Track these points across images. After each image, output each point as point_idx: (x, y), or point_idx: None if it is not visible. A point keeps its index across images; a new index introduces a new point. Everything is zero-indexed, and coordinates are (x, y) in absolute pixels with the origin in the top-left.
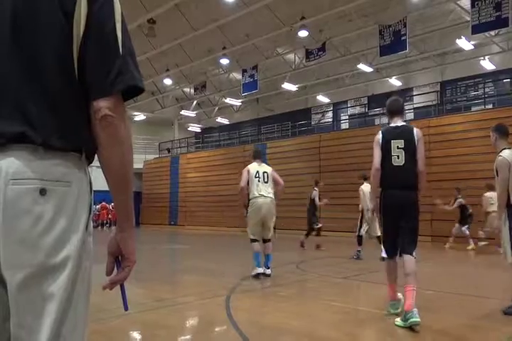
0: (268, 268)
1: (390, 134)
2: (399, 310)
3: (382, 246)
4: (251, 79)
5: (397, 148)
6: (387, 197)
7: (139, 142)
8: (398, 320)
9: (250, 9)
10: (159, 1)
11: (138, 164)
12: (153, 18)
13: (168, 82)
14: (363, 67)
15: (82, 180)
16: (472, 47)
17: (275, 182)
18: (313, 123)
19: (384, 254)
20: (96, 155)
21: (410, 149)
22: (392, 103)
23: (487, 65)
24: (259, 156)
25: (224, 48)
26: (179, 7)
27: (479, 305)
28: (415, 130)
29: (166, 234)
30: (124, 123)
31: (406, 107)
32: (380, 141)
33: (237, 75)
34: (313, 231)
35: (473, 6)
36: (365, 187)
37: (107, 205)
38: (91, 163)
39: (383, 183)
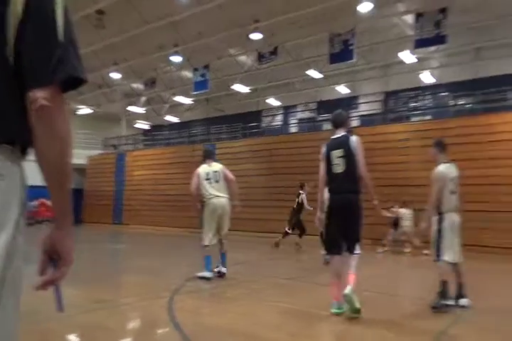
0: (224, 266)
1: (331, 145)
2: (341, 310)
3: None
4: (202, 79)
5: (337, 157)
6: (331, 201)
7: (83, 137)
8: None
9: (204, 8)
10: None
11: (80, 159)
12: (101, 9)
13: (116, 76)
14: (313, 73)
15: (14, 174)
16: (415, 60)
17: (227, 180)
18: (263, 125)
19: (324, 253)
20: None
21: (349, 157)
22: (335, 116)
23: (427, 78)
24: (209, 156)
25: (176, 45)
26: None
27: (406, 303)
28: (352, 139)
29: (109, 233)
30: (63, 115)
31: (353, 114)
32: (324, 153)
33: (188, 73)
34: (287, 235)
35: (416, 21)
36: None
37: (46, 202)
38: (26, 156)
39: (329, 189)
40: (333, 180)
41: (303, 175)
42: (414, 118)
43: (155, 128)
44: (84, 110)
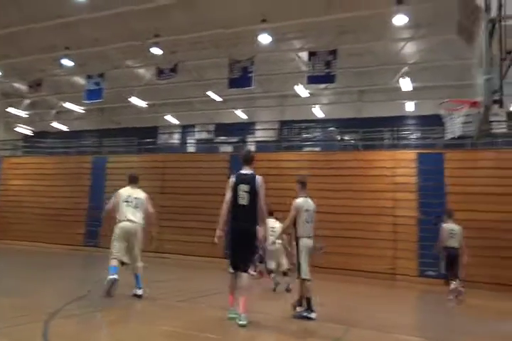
0: (140, 288)
1: (239, 179)
2: (235, 316)
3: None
4: (96, 87)
5: (243, 191)
6: (233, 227)
7: None
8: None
9: (102, 14)
10: None
11: None
12: None
13: None
14: (212, 95)
15: None
16: (308, 94)
17: (147, 212)
18: (159, 142)
19: (231, 270)
20: None
21: (252, 192)
22: (244, 154)
23: (318, 112)
24: (134, 181)
25: (67, 48)
26: None
27: None
28: (257, 178)
29: None
30: None
31: (249, 140)
32: (232, 183)
33: (80, 80)
34: None
35: (309, 59)
36: (270, 223)
37: None
38: None
39: (233, 217)
40: (236, 209)
41: (196, 196)
42: (305, 148)
43: (38, 134)
44: None
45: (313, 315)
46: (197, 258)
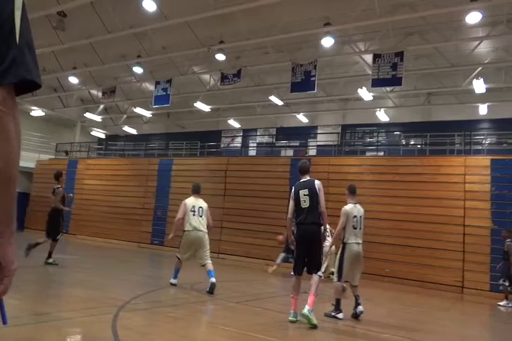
0: (212, 277)
1: (299, 186)
2: (296, 319)
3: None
4: (163, 93)
5: (304, 195)
6: (299, 230)
7: (34, 140)
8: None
9: (170, 23)
10: None
11: (28, 162)
12: (64, 11)
13: (73, 80)
14: (274, 99)
15: None
16: (371, 98)
17: (209, 217)
18: (222, 145)
19: (292, 273)
20: None
21: (313, 196)
22: (301, 165)
23: (382, 116)
24: (197, 191)
25: (139, 56)
26: (94, 5)
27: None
28: (316, 182)
29: None
30: (14, 118)
31: (310, 144)
32: (293, 192)
33: (149, 86)
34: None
35: (374, 62)
36: None
37: None
38: None
39: (297, 220)
40: (300, 213)
41: (257, 198)
42: (368, 153)
43: (111, 138)
44: (36, 112)
45: (340, 316)
46: (253, 260)
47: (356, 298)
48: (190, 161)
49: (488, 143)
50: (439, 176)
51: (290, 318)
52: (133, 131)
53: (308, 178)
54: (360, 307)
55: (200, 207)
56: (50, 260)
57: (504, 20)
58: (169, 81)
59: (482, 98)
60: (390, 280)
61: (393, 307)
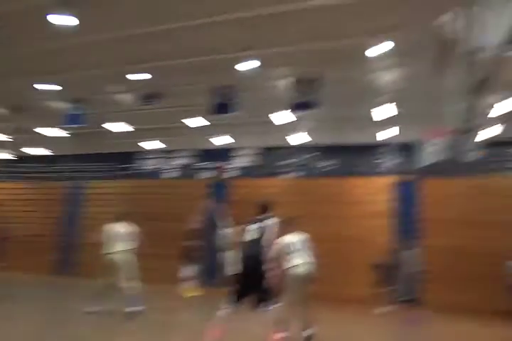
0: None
1: (252, 221)
2: None
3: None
4: (77, 112)
5: (254, 229)
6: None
7: None
8: None
9: (93, 38)
10: None
11: None
12: None
13: None
14: (195, 120)
15: None
16: (291, 120)
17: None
18: (140, 167)
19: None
20: None
21: (261, 229)
22: (260, 203)
23: (300, 138)
24: (122, 218)
25: (50, 73)
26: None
27: None
28: (271, 218)
29: None
30: None
31: (230, 166)
32: (248, 226)
33: (61, 104)
34: None
35: (293, 86)
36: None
37: None
38: None
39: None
40: (245, 245)
41: (172, 223)
42: (286, 175)
43: (21, 159)
44: None
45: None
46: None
47: (305, 322)
48: (105, 184)
49: (393, 165)
50: (350, 196)
51: None
52: (44, 152)
53: (266, 215)
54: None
55: (124, 231)
56: None
57: (407, 52)
58: (83, 100)
59: (388, 123)
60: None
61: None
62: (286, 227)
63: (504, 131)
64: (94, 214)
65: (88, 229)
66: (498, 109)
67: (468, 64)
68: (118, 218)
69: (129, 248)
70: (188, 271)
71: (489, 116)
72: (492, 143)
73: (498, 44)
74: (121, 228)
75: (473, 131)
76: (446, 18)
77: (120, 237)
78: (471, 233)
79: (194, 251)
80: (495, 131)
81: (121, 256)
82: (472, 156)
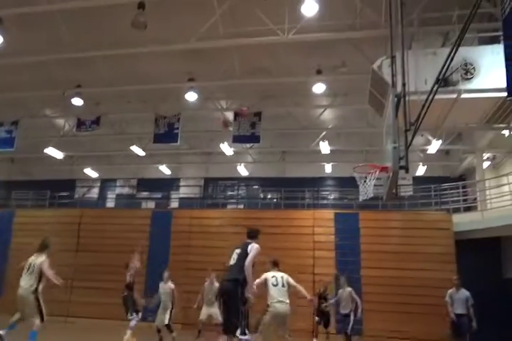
0: None
1: (236, 246)
2: None
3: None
4: (8, 135)
5: (235, 253)
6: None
7: None
8: None
9: (23, 59)
10: None
11: None
12: None
13: None
14: (136, 149)
15: None
16: (232, 153)
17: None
18: (76, 196)
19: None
20: None
21: (242, 254)
22: (248, 231)
23: (242, 170)
24: (42, 248)
25: None
26: None
27: None
28: (253, 244)
29: None
30: None
31: (172, 196)
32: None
33: None
34: None
35: (234, 119)
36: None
37: None
38: None
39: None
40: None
41: (114, 254)
42: (229, 206)
43: None
44: None
45: None
46: (110, 322)
47: None
48: (37, 213)
49: (333, 198)
50: (291, 228)
51: None
52: None
53: (248, 241)
54: None
55: (34, 264)
56: None
57: (342, 93)
58: (15, 122)
59: (327, 158)
60: None
61: None
62: None
63: (430, 169)
64: (25, 245)
65: (14, 260)
66: (426, 149)
67: (401, 106)
68: (39, 249)
69: (31, 283)
70: (133, 320)
71: (418, 155)
72: (421, 180)
73: (429, 87)
74: (34, 260)
75: (404, 168)
76: (381, 60)
77: (28, 270)
78: (404, 265)
79: (133, 302)
80: (423, 169)
81: (22, 292)
82: (405, 192)
